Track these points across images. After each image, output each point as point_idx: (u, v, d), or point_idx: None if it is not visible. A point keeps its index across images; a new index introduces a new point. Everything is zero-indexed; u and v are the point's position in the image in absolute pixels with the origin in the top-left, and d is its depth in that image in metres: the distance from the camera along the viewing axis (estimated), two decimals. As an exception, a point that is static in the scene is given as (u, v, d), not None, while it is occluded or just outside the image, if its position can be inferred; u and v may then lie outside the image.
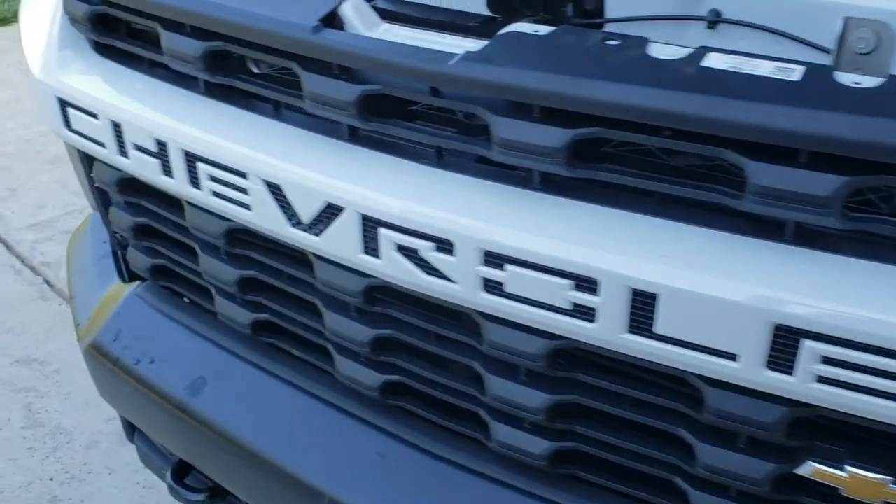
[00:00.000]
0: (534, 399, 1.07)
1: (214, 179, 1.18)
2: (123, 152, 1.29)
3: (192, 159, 1.20)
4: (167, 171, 1.24)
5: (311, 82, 1.05)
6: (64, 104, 1.36)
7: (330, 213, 1.07)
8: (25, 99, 5.21)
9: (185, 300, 1.58)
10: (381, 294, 1.16)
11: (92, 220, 2.01)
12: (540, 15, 1.14)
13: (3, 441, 2.65)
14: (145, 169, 1.28)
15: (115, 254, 1.82)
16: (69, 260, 1.95)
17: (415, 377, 1.21)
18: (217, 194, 1.20)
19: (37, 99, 1.43)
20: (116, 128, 1.28)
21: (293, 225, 1.12)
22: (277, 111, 1.17)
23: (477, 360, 1.11)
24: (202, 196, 1.22)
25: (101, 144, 1.32)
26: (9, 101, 5.19)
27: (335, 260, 1.12)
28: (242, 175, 1.14)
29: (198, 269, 1.44)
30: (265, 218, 1.15)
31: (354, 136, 1.09)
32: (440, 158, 1.03)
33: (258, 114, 1.18)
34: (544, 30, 0.95)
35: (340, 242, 1.08)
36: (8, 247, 3.70)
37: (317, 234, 1.10)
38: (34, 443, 2.65)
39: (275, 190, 1.11)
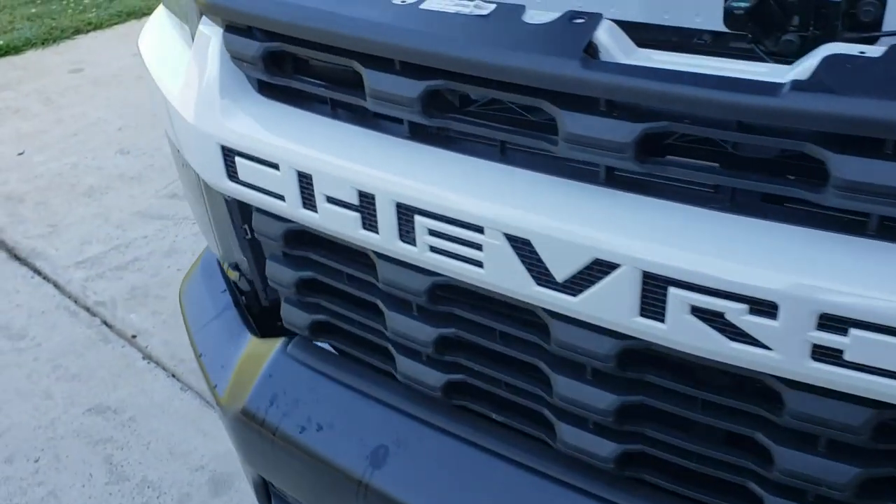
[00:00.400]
0: (841, 473, 0.93)
1: (435, 234, 1.04)
2: (311, 206, 1.15)
3: (407, 213, 1.05)
4: (370, 225, 1.10)
5: (573, 122, 0.91)
6: (229, 154, 1.21)
7: (597, 270, 0.93)
8: (50, 130, 5.06)
9: (344, 357, 1.44)
10: (635, 357, 1.02)
11: (202, 267, 1.87)
12: (809, 31, 1.00)
13: (89, 499, 2.50)
14: (339, 224, 1.13)
15: (238, 305, 1.68)
16: (184, 311, 1.81)
17: (662, 447, 1.07)
18: (436, 250, 1.05)
19: (191, 148, 1.29)
20: (304, 179, 1.14)
21: (541, 284, 0.98)
22: (503, 154, 1.03)
23: (763, 431, 0.97)
24: (415, 252, 1.07)
25: (280, 197, 1.18)
26: (33, 133, 5.04)
27: (592, 322, 0.98)
28: (478, 230, 1.00)
29: (373, 326, 1.30)
30: (502, 276, 1.01)
31: (612, 180, 0.95)
32: (733, 202, 0.89)
33: (480, 158, 1.04)
34: (873, 51, 0.82)
35: (608, 304, 0.94)
36: (58, 287, 3.55)
37: (573, 295, 0.96)
38: (122, 499, 2.50)
39: (520, 246, 0.97)
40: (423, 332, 1.20)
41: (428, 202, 1.03)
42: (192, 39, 1.31)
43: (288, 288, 1.35)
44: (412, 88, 1.02)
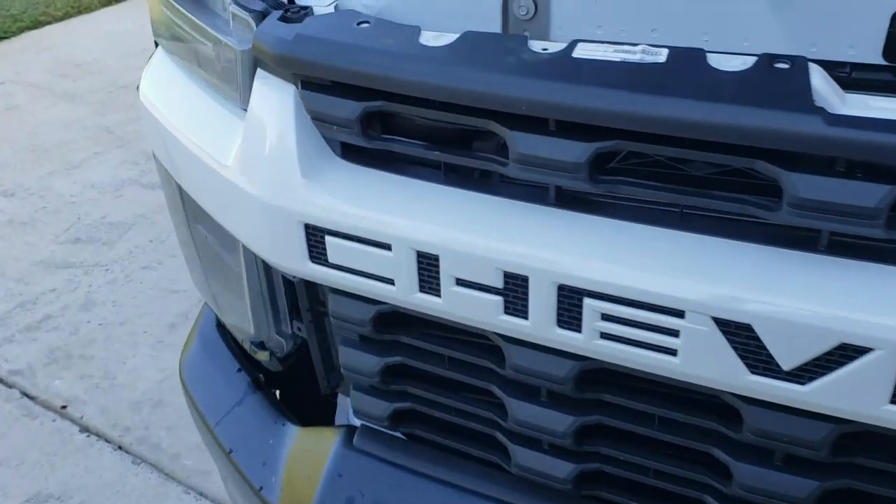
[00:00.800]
0: None
1: (611, 319, 0.89)
2: (432, 290, 0.97)
3: (572, 296, 0.90)
4: (516, 310, 0.94)
5: (806, 186, 0.78)
6: (316, 233, 1.02)
7: (840, 356, 0.80)
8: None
9: (423, 444, 1.26)
10: (846, 441, 0.90)
11: (201, 342, 1.65)
12: None
13: None
14: (471, 309, 0.96)
15: (261, 388, 1.48)
16: (190, 395, 1.57)
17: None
18: (609, 336, 0.90)
19: (254, 227, 1.08)
20: (425, 261, 0.96)
21: (757, 372, 0.84)
22: (682, 220, 0.89)
23: None
24: (578, 340, 0.92)
25: (387, 281, 1.00)
26: None
27: (818, 410, 0.85)
28: (677, 314, 0.85)
29: (478, 413, 1.13)
30: (703, 366, 0.87)
31: (837, 248, 0.82)
32: None
33: (648, 224, 0.89)
34: None
35: (849, 391, 0.81)
36: (-41, 358, 3.15)
37: (802, 384, 0.83)
38: None
39: (736, 332, 0.83)
40: (560, 422, 1.04)
41: (606, 284, 0.87)
42: (239, 96, 1.11)
43: (371, 376, 1.16)
44: (578, 152, 0.86)
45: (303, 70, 0.98)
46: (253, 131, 1.06)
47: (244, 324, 1.39)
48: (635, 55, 0.87)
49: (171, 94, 1.26)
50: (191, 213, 1.35)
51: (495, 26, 1.13)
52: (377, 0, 1.13)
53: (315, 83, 1.00)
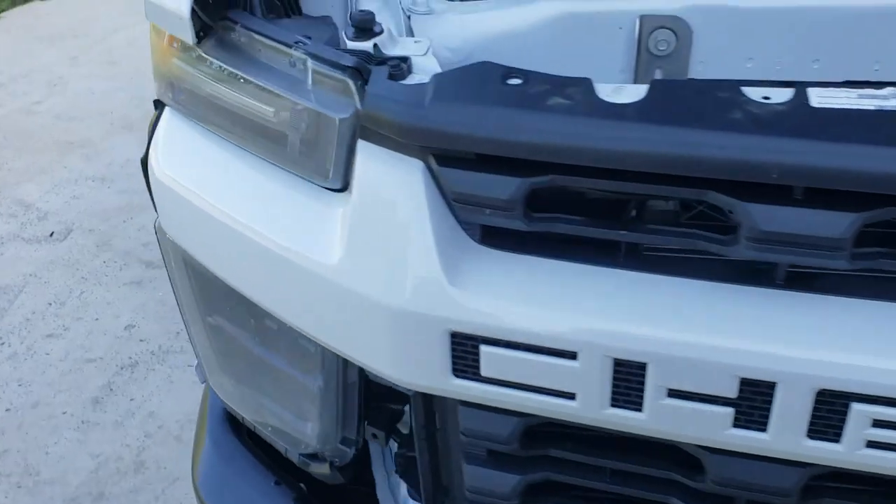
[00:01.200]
0: None
1: (886, 425, 0.73)
2: (630, 403, 0.78)
3: (836, 402, 0.73)
4: (752, 422, 0.76)
5: None
6: (467, 343, 0.81)
7: None
8: None
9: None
10: None
11: (217, 449, 1.40)
12: None
13: None
14: (686, 425, 0.78)
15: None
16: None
17: None
18: (880, 445, 0.74)
19: (377, 339, 0.85)
20: (626, 369, 0.77)
21: None
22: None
23: None
24: (836, 451, 0.75)
25: (565, 395, 0.80)
26: None
27: None
28: None
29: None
30: None
31: None
32: None
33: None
34: None
35: None
36: None
37: None
38: None
39: None
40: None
41: (886, 386, 0.71)
42: (328, 174, 0.88)
43: (508, 498, 0.95)
44: (843, 225, 0.69)
45: (448, 144, 0.77)
46: (364, 220, 0.84)
47: (299, 433, 1.15)
48: (889, 101, 0.71)
49: (203, 173, 1.01)
50: (226, 311, 1.10)
51: (621, 64, 0.95)
52: (466, 42, 0.94)
53: (456, 158, 0.78)
